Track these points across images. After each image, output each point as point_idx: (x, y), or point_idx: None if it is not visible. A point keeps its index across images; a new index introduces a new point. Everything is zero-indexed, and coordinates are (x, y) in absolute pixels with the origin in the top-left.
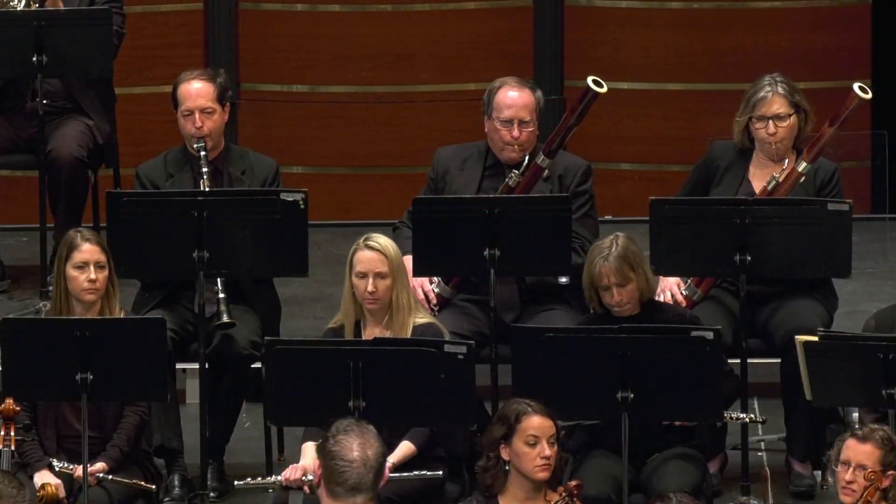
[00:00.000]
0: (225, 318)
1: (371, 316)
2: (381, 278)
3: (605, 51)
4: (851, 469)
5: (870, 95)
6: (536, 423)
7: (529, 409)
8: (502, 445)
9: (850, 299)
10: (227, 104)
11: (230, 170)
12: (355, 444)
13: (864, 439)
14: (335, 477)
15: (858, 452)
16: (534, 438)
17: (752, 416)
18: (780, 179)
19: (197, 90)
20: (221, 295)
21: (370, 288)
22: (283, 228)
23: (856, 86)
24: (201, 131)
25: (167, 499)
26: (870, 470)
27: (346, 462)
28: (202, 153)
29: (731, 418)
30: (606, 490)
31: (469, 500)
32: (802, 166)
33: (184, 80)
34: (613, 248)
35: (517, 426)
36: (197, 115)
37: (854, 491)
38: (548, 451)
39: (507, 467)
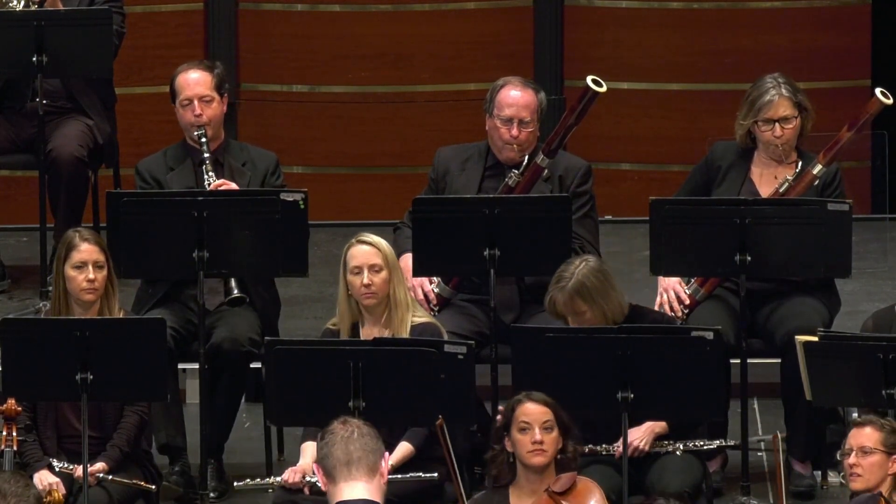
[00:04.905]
0: (236, 293)
1: (369, 314)
2: (377, 272)
3: (604, 51)
4: (854, 453)
5: (892, 101)
6: (528, 409)
7: (525, 398)
8: (505, 436)
9: (850, 299)
10: (225, 95)
11: (231, 162)
12: (335, 423)
13: (862, 424)
14: (326, 457)
15: (859, 436)
16: (526, 424)
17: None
18: (794, 182)
19: (195, 79)
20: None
21: (366, 281)
22: (283, 228)
23: (877, 91)
24: (200, 119)
25: (164, 483)
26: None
27: (330, 434)
28: (202, 139)
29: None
30: (606, 490)
31: (483, 493)
32: (818, 169)
33: (181, 72)
34: (571, 281)
35: (513, 415)
36: (196, 103)
37: (860, 475)
38: (538, 437)
39: (511, 459)
